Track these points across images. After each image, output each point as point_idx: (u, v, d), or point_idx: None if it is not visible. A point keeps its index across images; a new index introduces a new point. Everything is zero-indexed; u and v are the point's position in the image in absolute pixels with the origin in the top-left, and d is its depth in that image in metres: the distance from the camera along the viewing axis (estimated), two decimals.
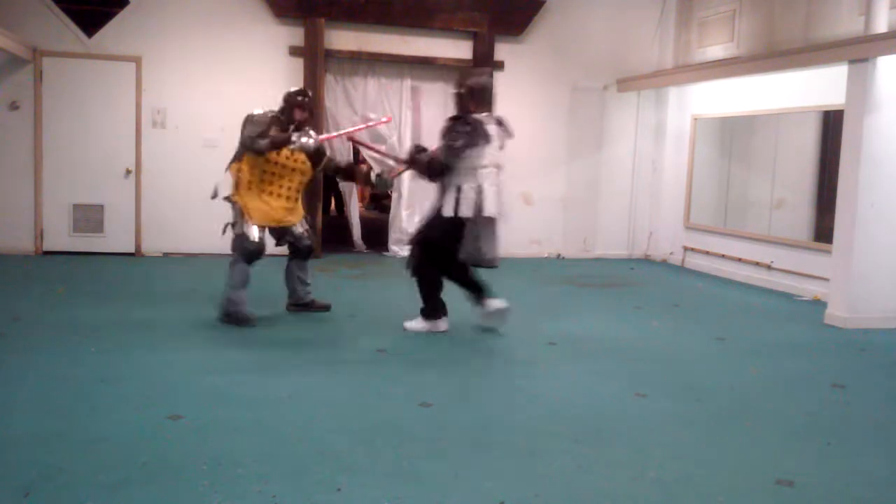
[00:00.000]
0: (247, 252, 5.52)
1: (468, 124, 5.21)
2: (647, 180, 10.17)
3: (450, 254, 5.33)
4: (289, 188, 5.69)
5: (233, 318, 5.48)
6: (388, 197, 10.07)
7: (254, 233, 5.52)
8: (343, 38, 9.03)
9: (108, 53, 8.47)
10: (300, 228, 5.82)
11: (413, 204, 9.55)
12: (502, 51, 9.46)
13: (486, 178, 5.23)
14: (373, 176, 6.46)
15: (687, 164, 9.56)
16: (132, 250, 8.67)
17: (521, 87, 9.60)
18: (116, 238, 8.63)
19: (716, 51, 8.98)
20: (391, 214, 9.70)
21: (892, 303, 6.35)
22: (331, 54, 8.96)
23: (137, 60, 8.53)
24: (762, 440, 3.66)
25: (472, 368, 4.73)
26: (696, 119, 9.44)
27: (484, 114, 5.34)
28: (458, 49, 9.36)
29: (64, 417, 3.57)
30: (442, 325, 5.56)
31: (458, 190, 5.19)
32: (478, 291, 5.63)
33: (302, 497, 2.85)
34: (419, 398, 4.04)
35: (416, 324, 5.55)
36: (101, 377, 4.19)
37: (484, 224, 5.23)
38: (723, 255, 8.80)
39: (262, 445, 3.32)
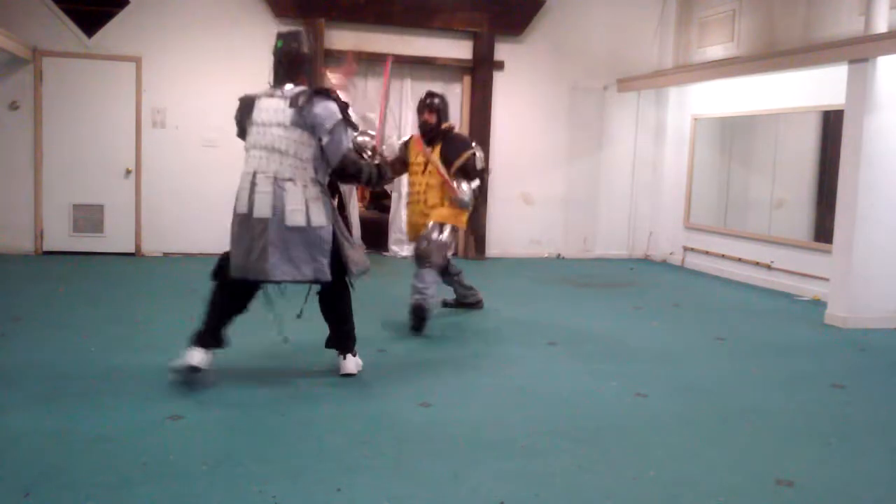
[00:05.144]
0: None
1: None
2: (647, 180, 10.17)
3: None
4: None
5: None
6: (388, 196, 10.06)
7: None
8: (343, 38, 9.02)
9: (108, 53, 8.47)
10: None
11: None
12: (502, 51, 9.46)
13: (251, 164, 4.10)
14: None
15: (687, 164, 9.56)
16: (132, 250, 8.67)
17: (521, 87, 9.61)
18: (116, 238, 8.62)
19: (716, 51, 8.98)
20: (391, 214, 9.70)
21: (892, 303, 6.35)
22: (331, 54, 8.96)
23: (137, 60, 8.53)
24: (762, 440, 3.66)
25: (472, 368, 4.73)
26: (695, 119, 9.44)
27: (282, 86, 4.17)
28: (458, 49, 9.36)
29: (64, 417, 3.57)
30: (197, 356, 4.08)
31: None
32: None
33: (302, 497, 2.85)
34: (419, 398, 4.04)
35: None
36: (101, 377, 4.18)
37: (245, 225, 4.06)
38: (723, 255, 8.80)
39: (262, 445, 3.32)
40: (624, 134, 10.06)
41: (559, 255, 9.95)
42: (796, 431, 3.82)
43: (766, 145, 8.44)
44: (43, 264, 7.94)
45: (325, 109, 4.07)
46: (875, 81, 6.09)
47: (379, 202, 15.40)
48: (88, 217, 8.55)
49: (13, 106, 8.29)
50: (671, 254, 9.83)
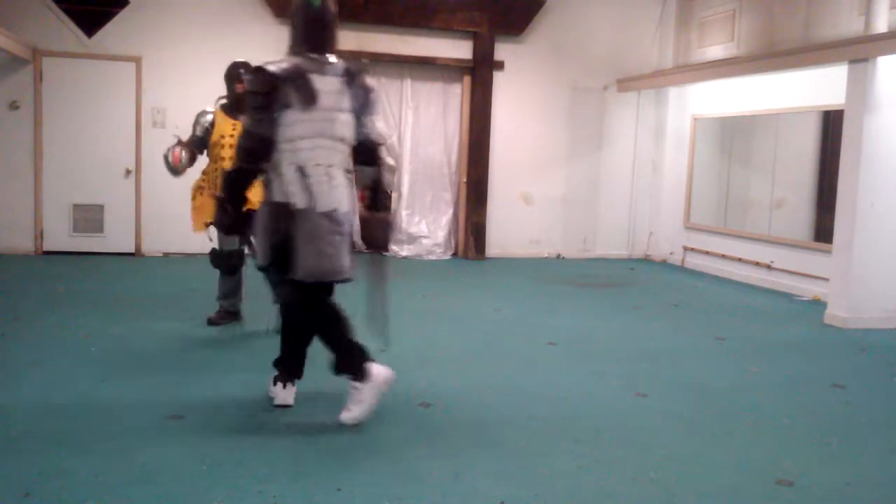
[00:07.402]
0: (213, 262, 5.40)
1: (273, 75, 3.40)
2: (647, 180, 10.17)
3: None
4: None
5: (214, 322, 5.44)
6: (389, 196, 10.04)
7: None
8: (343, 38, 8.95)
9: (108, 53, 8.47)
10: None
11: (413, 204, 9.55)
12: (502, 51, 9.46)
13: (311, 156, 3.50)
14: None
15: (687, 164, 9.56)
16: (132, 250, 8.66)
17: (521, 87, 9.61)
18: (116, 238, 8.62)
19: (716, 51, 8.98)
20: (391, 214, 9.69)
21: (892, 303, 6.35)
22: None
23: (137, 60, 8.53)
24: (762, 440, 3.66)
25: (472, 368, 4.73)
26: (695, 119, 9.44)
27: (315, 57, 3.54)
28: (458, 49, 9.36)
29: (64, 417, 3.57)
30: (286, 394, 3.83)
31: (280, 175, 3.52)
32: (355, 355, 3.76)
33: (302, 497, 2.85)
34: (419, 398, 4.04)
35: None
36: (101, 377, 4.18)
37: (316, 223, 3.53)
38: (723, 255, 8.80)
39: (262, 445, 3.32)
40: (624, 134, 10.06)
41: (559, 255, 9.95)
42: (796, 431, 3.82)
43: (766, 145, 8.44)
44: (43, 264, 7.94)
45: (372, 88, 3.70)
46: (875, 81, 6.09)
47: None
48: (88, 217, 8.55)
49: (13, 106, 8.29)
50: (671, 254, 9.83)
